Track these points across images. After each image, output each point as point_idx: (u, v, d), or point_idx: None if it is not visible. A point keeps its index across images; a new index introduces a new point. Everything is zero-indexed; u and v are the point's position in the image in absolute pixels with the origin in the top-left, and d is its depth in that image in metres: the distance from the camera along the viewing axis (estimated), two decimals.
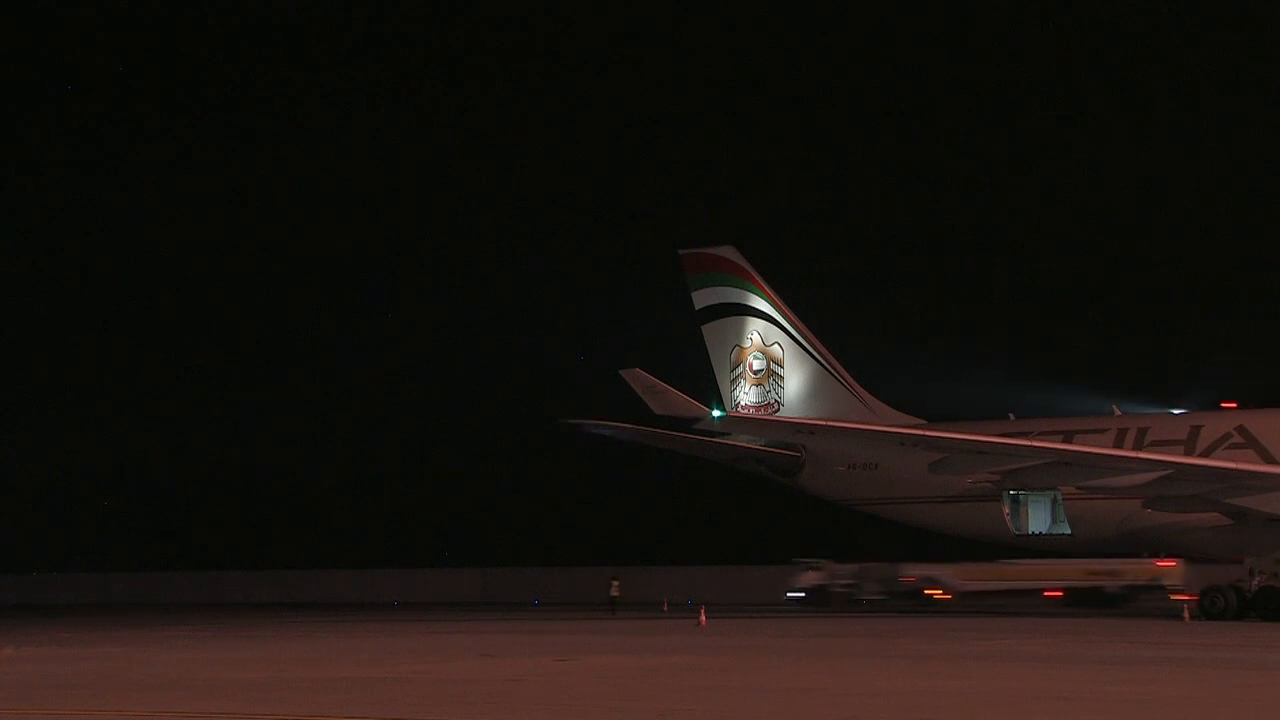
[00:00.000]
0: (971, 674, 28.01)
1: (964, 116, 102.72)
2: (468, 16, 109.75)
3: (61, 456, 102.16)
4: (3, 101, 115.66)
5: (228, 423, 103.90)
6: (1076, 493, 55.27)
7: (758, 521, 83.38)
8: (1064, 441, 54.42)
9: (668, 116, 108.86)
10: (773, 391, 67.66)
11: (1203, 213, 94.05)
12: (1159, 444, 54.55)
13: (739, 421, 63.07)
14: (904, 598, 63.87)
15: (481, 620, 56.48)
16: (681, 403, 55.05)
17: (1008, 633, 42.59)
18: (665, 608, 64.36)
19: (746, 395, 68.30)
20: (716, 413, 55.28)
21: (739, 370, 68.63)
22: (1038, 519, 58.34)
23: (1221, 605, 50.85)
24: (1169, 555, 58.51)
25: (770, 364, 67.86)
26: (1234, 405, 57.65)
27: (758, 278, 68.20)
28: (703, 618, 48.11)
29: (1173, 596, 57.87)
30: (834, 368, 66.90)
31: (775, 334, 67.87)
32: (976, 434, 54.09)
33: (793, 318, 67.88)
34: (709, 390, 67.13)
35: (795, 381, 67.28)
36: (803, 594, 66.55)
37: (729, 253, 68.77)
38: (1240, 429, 54.35)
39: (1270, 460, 52.27)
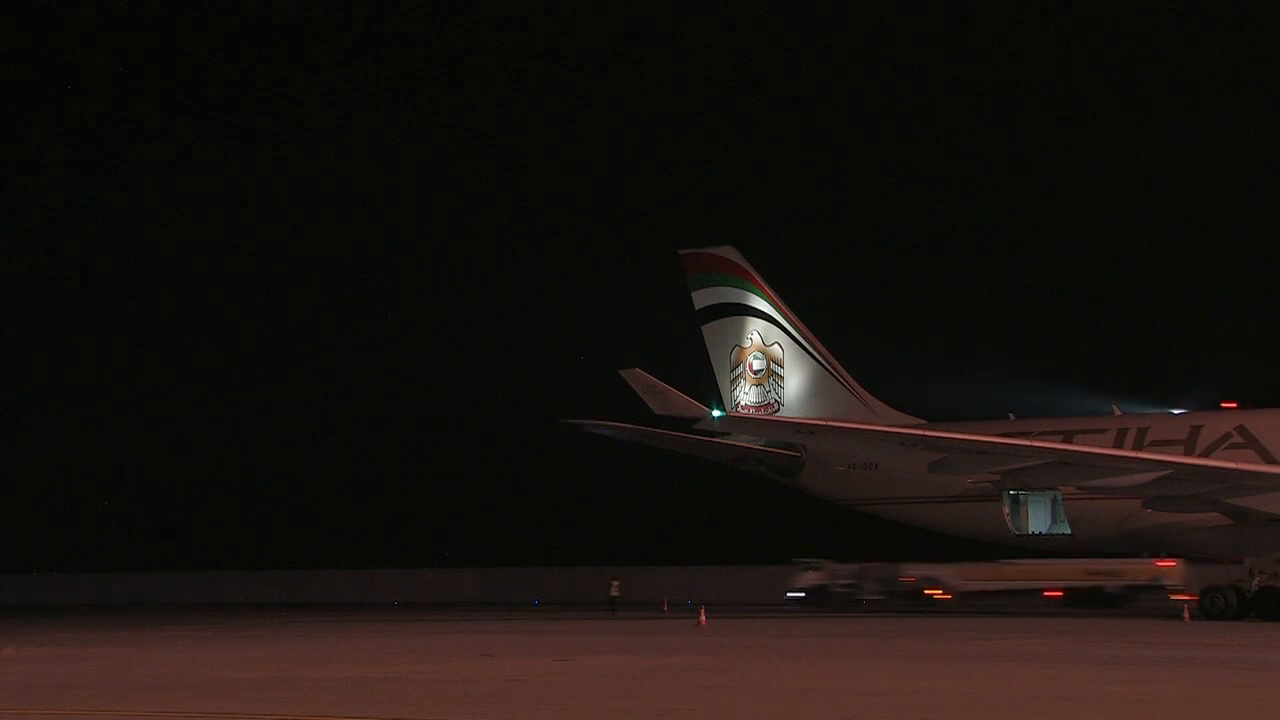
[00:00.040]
0: (971, 674, 28.01)
1: (964, 116, 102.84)
2: (468, 16, 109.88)
3: (61, 456, 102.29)
4: (3, 101, 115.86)
5: (228, 423, 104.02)
6: (1076, 493, 55.28)
7: (758, 521, 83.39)
8: (1064, 441, 54.43)
9: (668, 116, 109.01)
10: (773, 391, 67.66)
11: (1203, 213, 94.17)
12: (1159, 444, 54.56)
13: (739, 421, 63.08)
14: (904, 598, 63.84)
15: (481, 620, 56.47)
16: (681, 403, 55.06)
17: (1008, 633, 42.60)
18: (665, 608, 64.36)
19: (746, 395, 68.31)
20: (716, 413, 55.29)
21: (739, 370, 68.63)
22: (1038, 519, 58.35)
23: (1221, 605, 50.85)
24: (1169, 555, 58.51)
25: (770, 364, 67.87)
26: (1234, 405, 57.66)
27: (758, 278, 68.20)
28: (703, 618, 48.11)
29: (1173, 596, 57.86)
30: (834, 368, 66.91)
31: (775, 334, 67.87)
32: (976, 434, 54.10)
33: (793, 318, 67.88)
34: (709, 390, 67.15)
35: (795, 381, 67.28)
36: (803, 594, 66.51)
37: (729, 253, 68.76)
38: (1240, 429, 54.36)
39: (1270, 460, 52.27)
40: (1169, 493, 51.34)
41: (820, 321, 68.71)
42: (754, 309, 68.26)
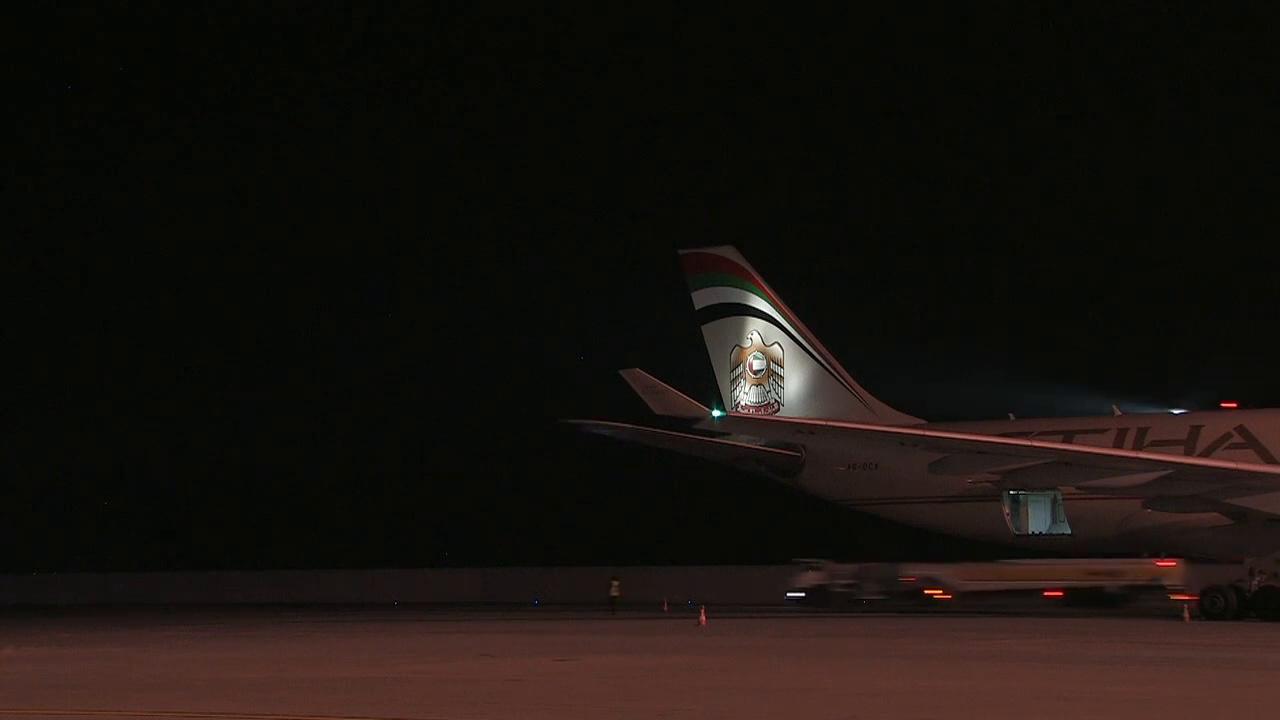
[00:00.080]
0: (971, 674, 28.01)
1: (964, 116, 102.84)
2: (468, 16, 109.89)
3: (61, 456, 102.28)
4: (3, 101, 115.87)
5: (228, 423, 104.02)
6: (1076, 493, 55.29)
7: (758, 521, 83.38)
8: (1064, 441, 54.43)
9: (668, 116, 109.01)
10: (773, 391, 67.66)
11: (1203, 213, 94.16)
12: (1159, 444, 54.56)
13: (739, 421, 63.08)
14: (904, 598, 63.82)
15: (481, 620, 56.47)
16: (681, 403, 55.06)
17: (1008, 633, 42.60)
18: (665, 608, 64.37)
19: (746, 395, 68.31)
20: (716, 413, 55.29)
21: (739, 370, 68.63)
22: (1038, 519, 58.35)
23: (1221, 605, 50.85)
24: (1169, 555, 58.50)
25: (770, 364, 67.87)
26: (1234, 405, 57.66)
27: (758, 278, 68.20)
28: (703, 618, 48.11)
29: (1173, 596, 57.87)
30: (834, 368, 66.90)
31: (775, 334, 67.87)
32: (976, 434, 54.10)
33: (793, 318, 67.89)
34: (709, 390, 67.16)
35: (795, 381, 67.29)
36: (803, 594, 66.50)
37: (729, 253, 68.77)
38: (1240, 429, 54.36)
39: (1270, 460, 52.27)
40: (1169, 493, 51.35)
41: (820, 321, 68.81)
42: (754, 309, 68.27)
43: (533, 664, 30.82)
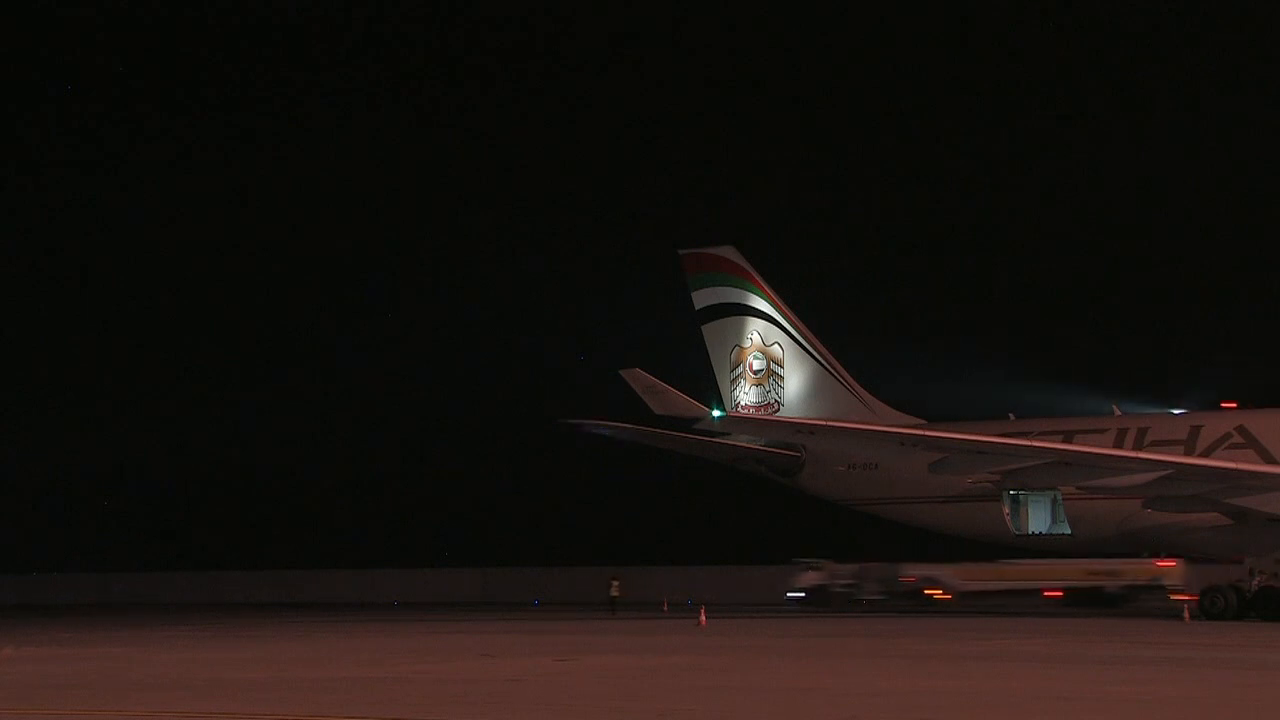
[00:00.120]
0: (971, 674, 28.02)
1: (964, 116, 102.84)
2: (468, 16, 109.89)
3: (61, 456, 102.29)
4: (3, 101, 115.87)
5: (228, 423, 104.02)
6: (1076, 493, 55.28)
7: (758, 521, 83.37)
8: (1064, 441, 54.43)
9: (668, 116, 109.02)
10: (773, 391, 67.66)
11: (1203, 213, 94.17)
12: (1159, 444, 54.57)
13: (739, 421, 63.08)
14: (904, 598, 63.80)
15: (481, 620, 56.48)
16: (681, 403, 55.06)
17: (1008, 633, 42.60)
18: (665, 608, 64.37)
19: (746, 395, 68.31)
20: (716, 413, 55.29)
21: (739, 370, 68.63)
22: (1038, 519, 58.35)
23: (1221, 605, 50.85)
24: (1169, 555, 58.51)
25: (770, 364, 67.87)
26: (1234, 405, 57.66)
27: (758, 278, 68.20)
28: (703, 618, 48.12)
29: (1172, 596, 57.87)
30: (834, 368, 66.90)
31: (775, 334, 67.87)
32: (976, 434, 54.10)
33: (793, 318, 67.89)
34: (709, 390, 67.16)
35: (795, 381, 67.29)
36: (803, 594, 66.50)
37: (729, 253, 68.77)
38: (1240, 429, 54.37)
39: (1270, 460, 52.28)
40: (1169, 493, 51.35)
41: (820, 321, 68.81)
42: (754, 309, 68.27)
43: (533, 664, 30.82)
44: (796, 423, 60.42)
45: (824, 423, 59.16)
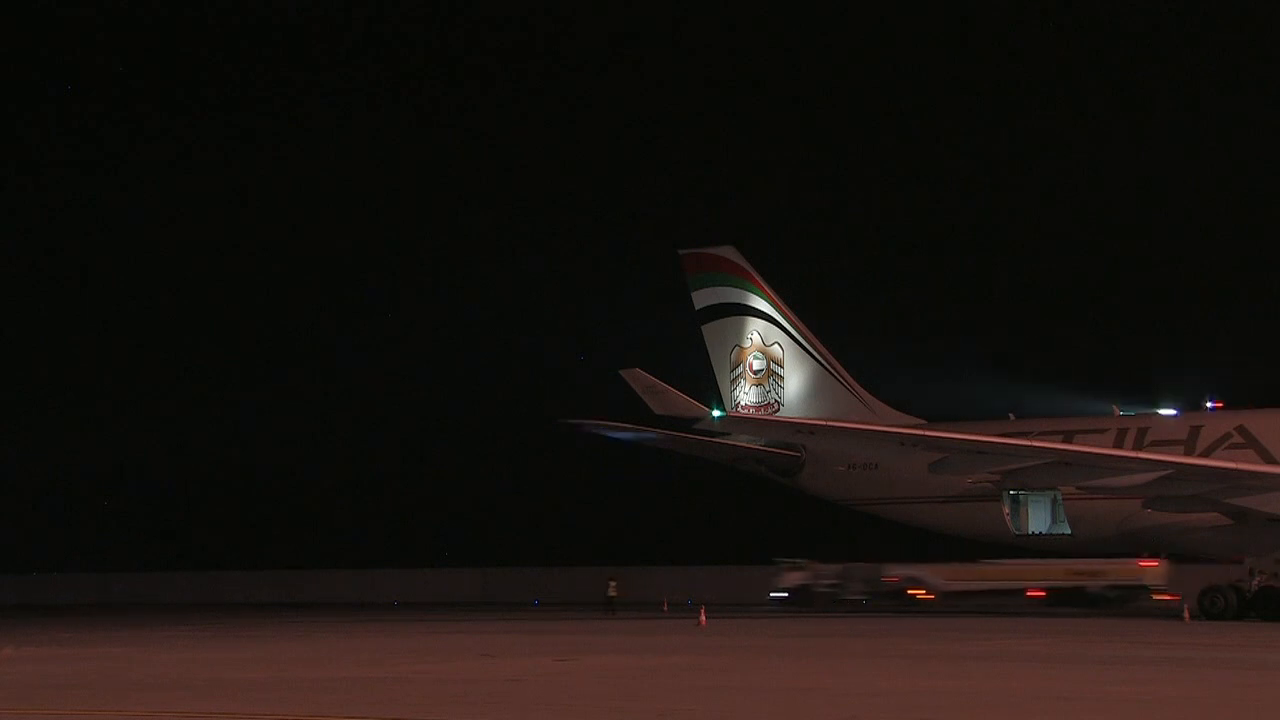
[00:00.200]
0: (971, 674, 28.01)
1: (964, 116, 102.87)
2: (468, 16, 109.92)
3: (61, 456, 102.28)
4: (3, 101, 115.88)
5: (228, 423, 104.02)
6: (1076, 493, 55.30)
7: (758, 521, 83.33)
8: (1064, 441, 54.44)
9: (668, 116, 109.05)
10: (773, 391, 67.67)
11: (1203, 213, 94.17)
12: (1159, 444, 54.58)
13: (739, 421, 63.10)
14: (887, 598, 63.59)
15: (481, 620, 56.47)
16: (681, 403, 55.08)
17: (1008, 633, 42.60)
18: (665, 608, 64.37)
19: (746, 395, 68.32)
20: (716, 413, 55.34)
21: (739, 370, 68.64)
22: (1038, 519, 58.37)
23: (1221, 605, 50.87)
24: (1153, 555, 58.41)
25: (770, 364, 67.88)
26: (1220, 405, 57.66)
27: (758, 278, 68.22)
28: (703, 618, 48.12)
29: (1155, 597, 57.86)
30: (834, 368, 66.91)
31: (775, 334, 67.88)
32: (976, 434, 54.11)
33: (793, 318, 67.90)
34: (709, 390, 67.19)
35: (795, 381, 67.29)
36: (785, 594, 66.29)
37: (729, 253, 68.79)
38: (1240, 429, 54.37)
39: (1270, 460, 52.30)
40: (1169, 493, 51.36)
41: (820, 321, 68.84)
42: (754, 309, 68.28)
43: (533, 664, 30.81)
44: (796, 423, 60.43)
45: (824, 423, 59.17)
